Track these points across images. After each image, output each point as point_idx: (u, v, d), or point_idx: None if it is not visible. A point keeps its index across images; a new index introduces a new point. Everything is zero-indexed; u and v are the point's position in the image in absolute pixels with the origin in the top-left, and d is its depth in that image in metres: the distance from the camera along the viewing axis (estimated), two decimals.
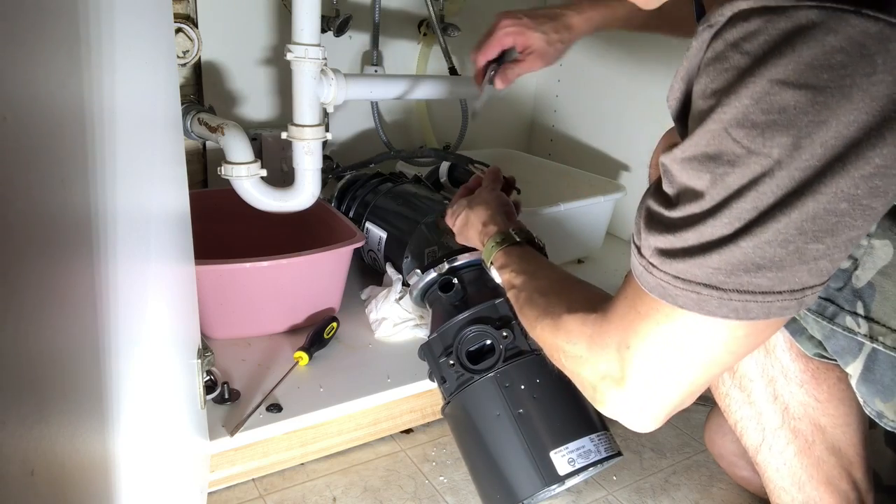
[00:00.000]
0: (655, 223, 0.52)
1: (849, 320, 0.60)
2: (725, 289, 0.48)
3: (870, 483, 0.76)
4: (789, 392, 0.73)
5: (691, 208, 0.48)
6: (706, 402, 0.92)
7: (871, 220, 0.46)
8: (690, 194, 0.48)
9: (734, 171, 0.45)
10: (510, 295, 0.77)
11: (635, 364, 0.56)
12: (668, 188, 0.51)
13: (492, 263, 0.84)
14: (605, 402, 0.60)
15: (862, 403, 0.64)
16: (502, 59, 1.08)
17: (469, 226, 0.92)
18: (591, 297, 0.65)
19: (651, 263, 0.51)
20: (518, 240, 0.84)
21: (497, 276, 0.83)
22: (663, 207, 0.51)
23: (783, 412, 0.74)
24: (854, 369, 0.62)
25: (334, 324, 1.13)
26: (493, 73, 1.08)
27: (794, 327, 0.69)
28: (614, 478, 1.01)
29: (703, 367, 0.54)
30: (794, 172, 0.44)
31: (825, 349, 0.67)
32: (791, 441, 0.74)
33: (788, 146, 0.43)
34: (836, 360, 0.67)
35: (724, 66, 0.45)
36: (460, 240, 0.96)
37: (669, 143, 0.59)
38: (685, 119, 0.52)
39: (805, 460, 0.74)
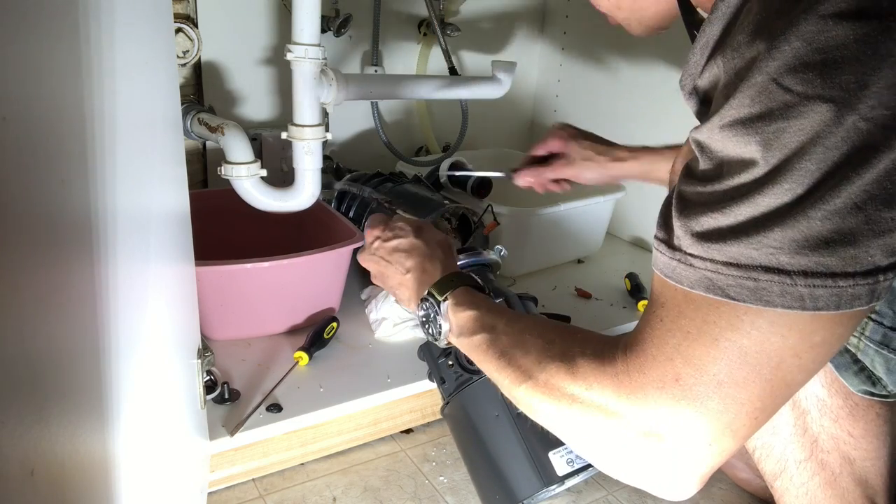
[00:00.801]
0: (693, 205, 0.43)
1: None
2: (790, 271, 0.39)
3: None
4: (821, 426, 0.68)
5: (741, 178, 0.41)
6: None
7: None
8: (737, 164, 0.41)
9: (790, 125, 0.38)
10: (480, 339, 0.60)
11: (692, 403, 0.43)
12: (706, 165, 0.44)
13: (445, 299, 0.66)
14: (643, 466, 0.46)
15: None
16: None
17: (403, 263, 0.72)
18: (600, 336, 0.53)
19: (690, 254, 0.43)
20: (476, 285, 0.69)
21: (449, 319, 0.65)
22: (701, 185, 0.43)
23: (811, 445, 0.69)
24: None
25: (334, 324, 1.13)
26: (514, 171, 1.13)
27: (840, 361, 0.64)
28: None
29: (772, 389, 0.42)
30: (860, 123, 0.37)
31: (873, 384, 0.63)
32: (817, 473, 0.70)
33: (853, 85, 0.37)
34: (886, 397, 0.63)
35: (763, 13, 0.40)
36: (382, 281, 0.76)
37: (681, 154, 0.55)
38: (706, 99, 0.46)
39: (829, 491, 0.70)
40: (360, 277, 1.35)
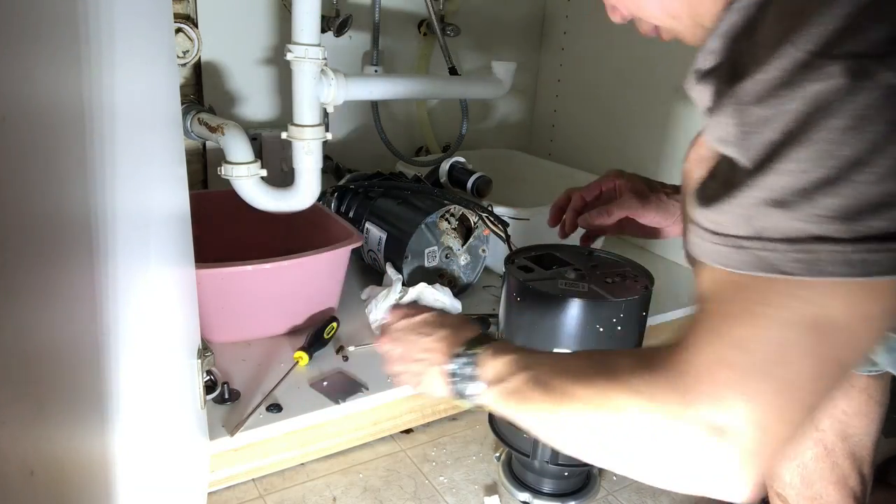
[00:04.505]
0: (732, 186, 0.42)
1: None
2: (841, 238, 0.38)
3: (872, 473, 0.78)
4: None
5: (783, 144, 0.39)
6: None
7: None
8: (778, 127, 0.40)
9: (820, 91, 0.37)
10: (519, 379, 0.55)
11: (746, 388, 0.41)
12: (740, 139, 0.42)
13: (479, 351, 0.61)
14: (705, 465, 0.44)
15: None
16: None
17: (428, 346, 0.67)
18: (642, 349, 0.51)
19: (735, 235, 0.42)
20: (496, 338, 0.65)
21: (483, 372, 0.60)
22: (734, 167, 0.42)
23: (809, 424, 0.72)
24: None
25: (334, 324, 1.13)
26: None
27: None
28: (614, 478, 1.01)
29: (826, 368, 0.41)
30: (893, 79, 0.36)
31: (872, 364, 0.66)
32: (810, 448, 0.74)
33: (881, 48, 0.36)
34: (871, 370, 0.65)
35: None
36: (407, 353, 0.70)
37: (696, 145, 0.53)
38: (721, 76, 0.45)
39: (821, 464, 0.74)
40: (360, 277, 1.35)
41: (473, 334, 0.64)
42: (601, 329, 0.79)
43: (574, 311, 0.79)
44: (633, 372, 0.47)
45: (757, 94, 0.40)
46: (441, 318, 0.69)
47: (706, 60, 0.46)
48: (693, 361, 0.44)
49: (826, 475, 0.74)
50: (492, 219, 1.27)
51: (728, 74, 0.44)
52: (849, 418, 0.73)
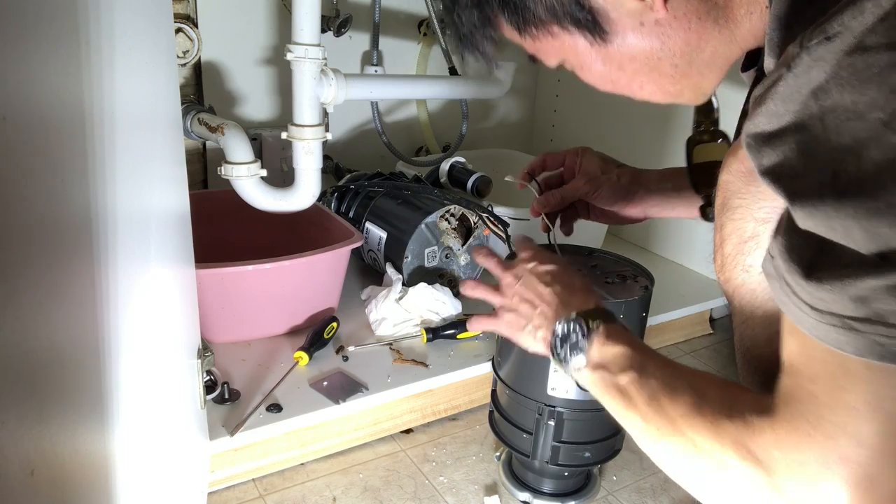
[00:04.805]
0: (841, 262, 0.37)
1: None
2: None
3: None
4: None
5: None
6: None
7: None
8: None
9: None
10: (628, 379, 0.54)
11: (862, 483, 0.39)
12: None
13: (597, 327, 0.60)
14: None
15: None
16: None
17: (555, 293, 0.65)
18: (752, 397, 0.47)
19: (852, 317, 0.37)
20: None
21: (592, 349, 0.59)
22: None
23: None
24: None
25: (334, 324, 1.13)
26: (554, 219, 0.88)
27: None
28: (614, 478, 1.01)
29: None
30: None
31: None
32: None
33: None
34: None
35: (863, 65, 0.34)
36: (519, 295, 0.68)
37: (736, 157, 0.50)
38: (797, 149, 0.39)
39: None
40: (360, 277, 1.35)
41: (593, 305, 0.62)
42: None
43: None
44: (737, 430, 0.45)
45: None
46: (568, 273, 0.66)
47: (769, 122, 0.39)
48: (802, 448, 0.41)
49: None
50: (492, 219, 1.27)
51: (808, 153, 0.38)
52: None
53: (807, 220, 0.38)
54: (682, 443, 0.48)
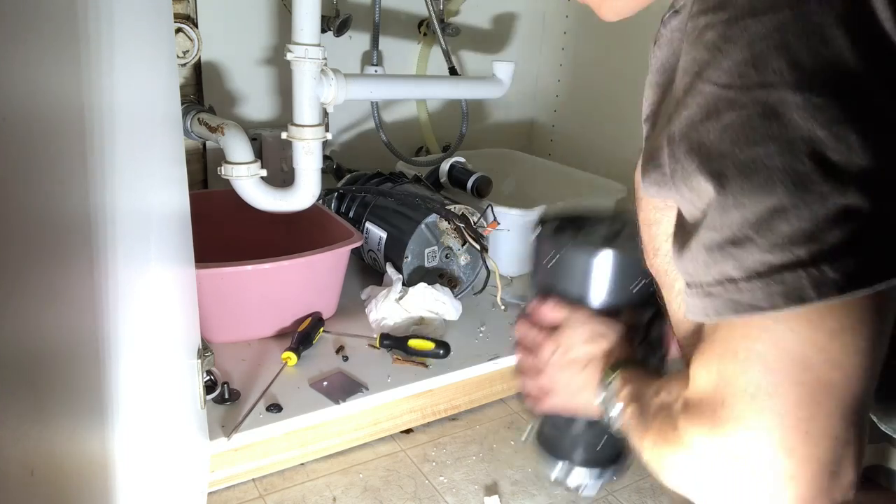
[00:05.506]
0: (686, 229, 0.44)
1: None
2: (808, 259, 0.39)
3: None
4: None
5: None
6: None
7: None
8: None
9: (744, 125, 0.39)
10: (630, 410, 0.59)
11: (739, 423, 0.43)
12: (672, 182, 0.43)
13: (612, 381, 0.65)
14: (733, 498, 0.45)
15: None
16: None
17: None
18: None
19: (703, 282, 0.42)
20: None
21: (618, 409, 0.63)
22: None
23: None
24: None
25: (321, 329, 1.13)
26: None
27: None
28: (614, 478, 1.01)
29: (810, 393, 0.41)
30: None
31: None
32: None
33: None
34: None
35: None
36: (566, 396, 0.72)
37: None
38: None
39: None
40: (360, 277, 1.35)
41: (616, 357, 0.65)
42: (628, 287, 0.77)
43: (604, 264, 0.77)
44: (677, 418, 0.48)
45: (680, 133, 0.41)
46: (587, 336, 0.69)
47: (645, 102, 0.47)
48: (702, 402, 0.45)
49: None
50: (470, 232, 1.25)
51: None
52: None
53: (654, 187, 0.45)
54: (651, 439, 0.51)
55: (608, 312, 0.72)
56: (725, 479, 0.44)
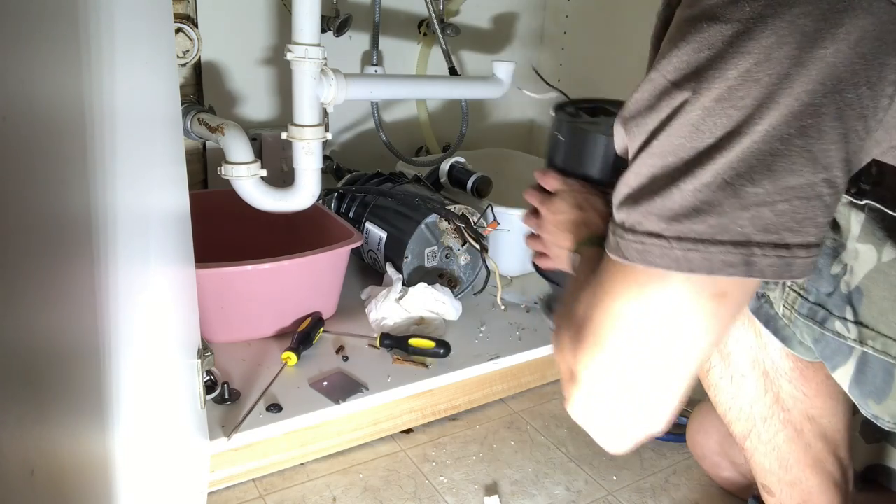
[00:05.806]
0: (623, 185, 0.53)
1: (838, 325, 0.59)
2: (667, 236, 0.46)
3: (851, 459, 0.78)
4: (779, 386, 0.74)
5: (640, 151, 0.49)
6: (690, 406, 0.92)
7: (811, 165, 0.44)
8: (639, 138, 0.50)
9: (671, 110, 0.47)
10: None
11: (587, 349, 0.53)
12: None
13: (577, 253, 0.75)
14: (584, 411, 0.55)
15: (858, 405, 0.64)
16: None
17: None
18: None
19: (615, 222, 0.51)
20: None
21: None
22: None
23: (774, 404, 0.75)
24: (845, 372, 0.61)
25: (321, 329, 1.13)
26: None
27: (786, 334, 0.69)
28: (614, 478, 1.01)
29: (659, 343, 0.50)
30: (730, 110, 0.44)
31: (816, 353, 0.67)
32: (780, 430, 0.75)
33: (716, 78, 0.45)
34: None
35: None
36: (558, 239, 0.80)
37: None
38: None
39: (794, 446, 0.75)
40: (360, 277, 1.35)
41: (592, 230, 0.73)
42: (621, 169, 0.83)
43: (601, 146, 0.82)
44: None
45: (630, 113, 0.50)
46: (572, 202, 0.78)
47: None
48: (571, 323, 0.56)
49: (801, 458, 0.75)
50: (470, 232, 1.26)
51: None
52: (810, 399, 0.74)
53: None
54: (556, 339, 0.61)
55: (601, 188, 0.82)
56: (573, 391, 0.55)
